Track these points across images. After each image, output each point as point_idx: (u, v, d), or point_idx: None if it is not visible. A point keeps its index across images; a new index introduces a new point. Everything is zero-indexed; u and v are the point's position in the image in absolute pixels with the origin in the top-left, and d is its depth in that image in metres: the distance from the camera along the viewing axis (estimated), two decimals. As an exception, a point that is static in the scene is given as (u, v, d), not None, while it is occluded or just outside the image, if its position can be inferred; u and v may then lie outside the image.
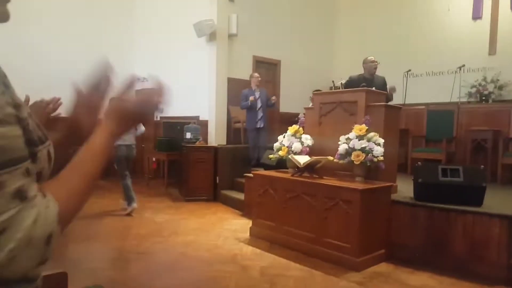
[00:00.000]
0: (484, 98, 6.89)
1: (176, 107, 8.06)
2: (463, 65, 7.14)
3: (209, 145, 6.87)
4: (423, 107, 6.54)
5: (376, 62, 5.04)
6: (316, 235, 3.66)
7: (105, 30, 8.86)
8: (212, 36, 7.03)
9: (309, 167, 4.04)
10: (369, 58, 5.11)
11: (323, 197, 3.62)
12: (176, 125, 7.72)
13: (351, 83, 4.93)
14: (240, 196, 5.75)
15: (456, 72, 7.25)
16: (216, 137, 7.04)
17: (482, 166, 3.72)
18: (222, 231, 4.65)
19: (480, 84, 7.00)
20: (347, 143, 3.87)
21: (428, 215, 3.51)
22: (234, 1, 7.54)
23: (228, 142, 7.18)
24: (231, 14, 7.25)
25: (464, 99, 7.06)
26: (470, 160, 5.66)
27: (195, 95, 7.56)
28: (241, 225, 4.87)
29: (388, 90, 4.84)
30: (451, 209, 3.39)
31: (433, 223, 3.48)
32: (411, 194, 3.81)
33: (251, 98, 6.34)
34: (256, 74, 6.68)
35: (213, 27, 6.90)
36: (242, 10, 7.58)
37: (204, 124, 7.23)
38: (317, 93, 4.86)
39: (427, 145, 6.31)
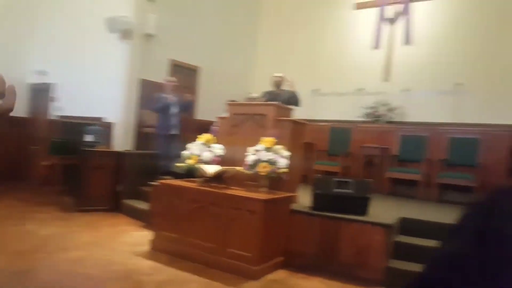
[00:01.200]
0: (377, 119, 7.75)
1: (77, 105, 7.51)
2: (363, 89, 7.98)
3: (112, 149, 6.47)
4: (327, 124, 7.09)
5: (279, 78, 5.48)
6: (218, 246, 3.74)
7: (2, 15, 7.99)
8: (126, 34, 6.74)
9: (217, 176, 4.13)
10: (275, 74, 5.49)
11: (229, 207, 3.73)
12: (76, 126, 7.07)
13: (264, 97, 5.28)
14: (145, 206, 5.48)
15: (356, 94, 8.06)
16: (122, 141, 6.67)
17: (371, 179, 4.19)
18: (119, 244, 4.32)
19: (374, 107, 7.87)
20: (255, 155, 4.06)
21: (322, 224, 3.85)
22: (155, 1, 7.35)
23: (136, 147, 6.90)
24: (150, 13, 7.05)
25: (362, 118, 7.86)
26: (363, 173, 6.31)
27: (102, 94, 7.04)
28: (142, 237, 4.57)
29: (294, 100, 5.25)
30: (340, 218, 3.76)
31: (325, 231, 3.82)
32: (310, 204, 4.14)
33: (168, 98, 6.17)
34: (172, 78, 6.51)
35: (128, 24, 6.61)
36: (163, 11, 7.38)
37: (109, 127, 6.81)
38: (231, 103, 5.01)
39: (328, 158, 6.86)
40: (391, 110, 7.76)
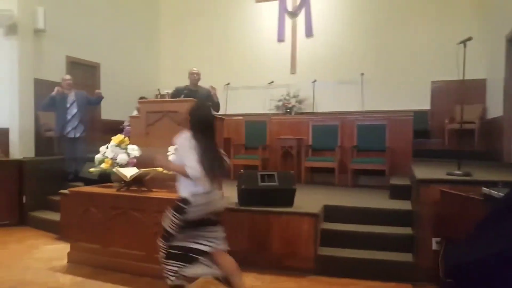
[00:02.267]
0: (288, 110, 8.03)
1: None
2: (272, 82, 8.17)
3: (11, 158, 5.76)
4: (241, 118, 7.12)
5: (197, 74, 5.27)
6: (146, 253, 3.51)
7: None
8: (11, 29, 5.98)
9: (137, 180, 3.85)
10: (192, 69, 5.30)
11: (153, 211, 3.51)
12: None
13: (177, 94, 5.03)
14: (55, 216, 5.02)
15: (266, 87, 8.24)
16: (20, 148, 5.95)
17: (292, 171, 4.29)
18: (31, 261, 3.92)
19: (285, 99, 8.13)
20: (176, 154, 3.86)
21: (251, 219, 3.84)
22: (42, -8, 6.62)
23: (37, 153, 6.19)
24: (37, 6, 6.33)
25: (274, 111, 8.07)
26: (281, 164, 6.47)
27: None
28: (57, 251, 4.21)
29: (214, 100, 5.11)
30: (269, 211, 3.79)
31: (255, 226, 3.82)
32: (236, 200, 4.10)
33: (55, 90, 5.67)
34: (67, 76, 6.01)
35: (12, 18, 5.88)
36: (51, 3, 6.72)
37: (4, 133, 6.02)
38: (143, 101, 4.72)
39: (246, 152, 6.90)
40: (300, 101, 8.09)
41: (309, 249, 3.65)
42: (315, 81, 7.84)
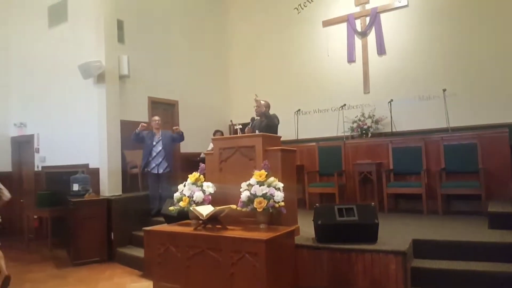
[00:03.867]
0: (364, 132, 7.64)
1: (60, 154, 7.33)
2: (344, 104, 7.90)
3: (101, 196, 6.20)
4: (314, 143, 6.93)
5: (255, 106, 5.23)
6: (224, 295, 3.46)
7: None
8: (100, 78, 6.58)
9: (212, 217, 3.86)
10: (256, 100, 5.28)
11: (229, 251, 3.46)
12: (61, 176, 6.91)
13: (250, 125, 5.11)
14: (140, 252, 5.24)
15: (338, 109, 7.98)
16: (109, 186, 6.39)
17: (373, 203, 3.97)
18: None
19: (359, 120, 7.76)
20: (249, 190, 3.82)
21: (331, 257, 3.60)
22: (124, 43, 7.27)
23: (124, 190, 6.62)
24: (121, 55, 6.93)
25: (348, 133, 7.75)
26: (360, 191, 6.11)
27: (83, 140, 6.94)
28: None
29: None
30: (351, 249, 3.51)
31: (336, 264, 3.57)
32: (313, 234, 3.90)
33: (140, 126, 6.08)
34: (156, 118, 6.40)
35: (101, 68, 6.47)
36: (133, 50, 7.36)
37: (95, 172, 6.56)
38: (216, 138, 4.79)
39: (320, 179, 6.66)
40: (377, 121, 7.66)
41: (399, 291, 3.28)
42: (391, 100, 7.38)
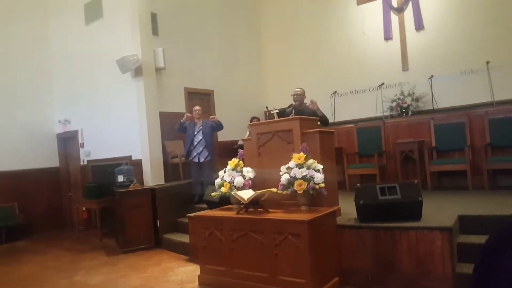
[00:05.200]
0: (404, 111, 7.42)
1: (104, 148, 7.67)
2: (383, 83, 7.68)
3: (145, 186, 6.45)
4: (352, 125, 6.83)
5: (298, 94, 5.11)
6: (268, 274, 3.54)
7: (19, 71, 8.28)
8: (137, 71, 6.78)
9: (253, 201, 3.94)
10: (294, 91, 5.21)
11: (272, 232, 3.53)
12: (106, 168, 7.25)
13: (283, 114, 5.02)
14: (185, 238, 5.42)
15: (376, 89, 7.77)
16: (152, 176, 6.64)
17: (416, 180, 3.90)
18: (168, 284, 4.26)
19: (399, 98, 7.54)
20: (288, 173, 3.85)
21: (374, 236, 3.58)
22: (159, 35, 7.42)
23: (166, 180, 6.85)
24: (156, 47, 7.09)
25: (387, 113, 7.55)
26: (402, 171, 5.98)
27: (125, 133, 7.19)
28: (188, 273, 4.52)
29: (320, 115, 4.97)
30: (394, 227, 3.48)
31: (379, 243, 3.55)
32: (355, 215, 3.89)
33: (185, 116, 6.24)
34: (197, 107, 6.52)
35: (138, 62, 6.65)
36: (168, 43, 7.48)
37: (138, 164, 6.82)
38: (253, 124, 4.84)
39: (360, 160, 6.57)
40: (417, 99, 7.42)
41: (446, 267, 3.22)
42: (432, 76, 7.10)
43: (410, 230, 3.39)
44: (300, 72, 8.76)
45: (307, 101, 5.14)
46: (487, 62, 6.58)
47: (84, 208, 7.58)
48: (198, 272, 4.17)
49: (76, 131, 8.49)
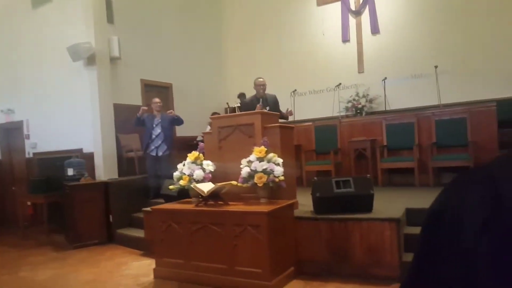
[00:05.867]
0: (358, 111, 7.74)
1: (52, 140, 7.26)
2: (339, 84, 7.96)
3: (97, 180, 6.23)
4: (310, 123, 7.01)
5: (263, 85, 5.32)
6: (227, 266, 3.57)
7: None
8: (90, 60, 6.52)
9: (213, 194, 3.95)
10: (258, 81, 5.34)
11: (231, 224, 3.57)
12: (55, 161, 6.84)
13: (246, 106, 5.10)
14: (140, 233, 5.31)
15: (334, 89, 8.04)
16: (105, 170, 6.43)
17: (368, 175, 4.09)
18: (121, 278, 4.15)
19: (354, 99, 7.85)
20: (249, 166, 3.90)
21: (329, 227, 3.72)
22: (114, 23, 7.17)
23: (120, 174, 6.65)
24: (111, 36, 6.85)
25: (343, 113, 7.84)
26: (355, 167, 6.23)
27: (76, 125, 6.87)
28: (143, 267, 4.43)
29: (282, 111, 5.13)
30: (348, 218, 3.65)
31: (334, 234, 3.70)
32: (311, 208, 4.01)
33: (140, 110, 6.00)
34: (156, 99, 6.33)
35: (91, 50, 6.40)
36: (124, 32, 7.24)
37: (90, 157, 6.56)
38: (214, 117, 4.84)
39: (317, 157, 6.77)
40: (371, 100, 7.77)
41: (394, 256, 3.43)
42: (385, 78, 7.47)
43: (362, 221, 3.56)
44: (261, 69, 8.82)
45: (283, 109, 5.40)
46: (435, 67, 7.03)
47: (29, 203, 7.12)
48: (154, 266, 4.11)
49: (21, 122, 7.97)
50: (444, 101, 6.85)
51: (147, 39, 7.83)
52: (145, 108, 6.18)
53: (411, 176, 5.64)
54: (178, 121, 6.32)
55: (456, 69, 7.09)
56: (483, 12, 6.94)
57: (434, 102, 6.99)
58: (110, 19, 7.01)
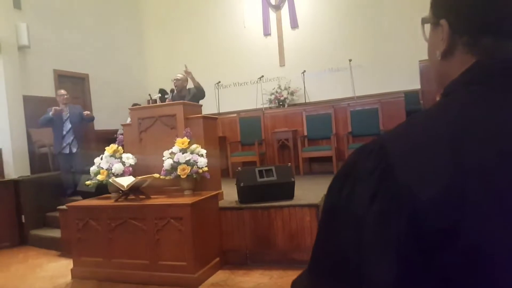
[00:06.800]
0: (281, 103, 7.99)
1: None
2: (262, 76, 8.13)
3: (6, 178, 5.68)
4: (235, 115, 7.08)
5: (177, 80, 5.30)
6: (149, 261, 3.49)
7: None
8: (-5, 48, 5.89)
9: (134, 188, 3.82)
10: (176, 76, 5.26)
11: (153, 218, 3.49)
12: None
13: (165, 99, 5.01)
14: (56, 233, 4.94)
15: (257, 82, 8.19)
16: (15, 167, 5.87)
17: (289, 163, 4.27)
18: (36, 281, 3.88)
19: (276, 92, 8.09)
20: (172, 158, 3.84)
21: (253, 216, 3.82)
22: (22, 9, 6.54)
23: (32, 171, 6.12)
24: (18, 23, 6.25)
25: (266, 105, 8.03)
26: (279, 157, 6.45)
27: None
28: (60, 268, 4.17)
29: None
30: (270, 206, 3.77)
31: (257, 222, 3.80)
32: (236, 198, 4.08)
33: (53, 110, 5.49)
34: (62, 91, 5.89)
35: (-5, 37, 5.79)
36: (34, 18, 6.65)
37: (-3, 153, 5.96)
38: (134, 108, 4.67)
39: (242, 149, 6.87)
40: (292, 93, 8.06)
41: (313, 240, 3.62)
42: (304, 71, 7.80)
43: (284, 208, 3.71)
44: (184, 60, 8.52)
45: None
46: (350, 60, 7.50)
47: None
48: (71, 266, 3.88)
49: None
50: (358, 93, 7.36)
51: (60, 26, 7.26)
52: (59, 108, 5.64)
53: (330, 164, 5.98)
54: (89, 119, 6.00)
55: (368, 63, 7.63)
56: (392, 6, 7.47)
57: (350, 94, 7.47)
58: (17, 4, 6.40)
